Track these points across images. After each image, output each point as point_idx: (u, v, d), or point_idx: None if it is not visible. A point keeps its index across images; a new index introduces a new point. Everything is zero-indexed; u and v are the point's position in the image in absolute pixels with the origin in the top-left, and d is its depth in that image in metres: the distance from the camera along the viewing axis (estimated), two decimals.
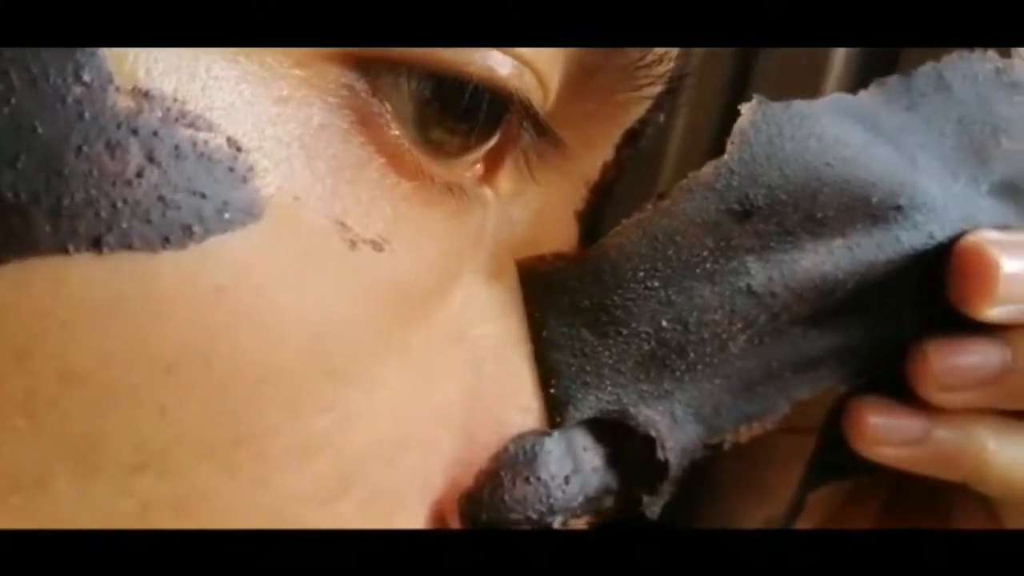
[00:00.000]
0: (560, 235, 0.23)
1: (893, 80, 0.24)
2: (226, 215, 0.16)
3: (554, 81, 0.20)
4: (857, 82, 0.27)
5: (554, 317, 0.21)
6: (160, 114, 0.15)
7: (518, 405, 0.21)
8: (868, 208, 0.23)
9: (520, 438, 0.21)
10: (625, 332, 0.21)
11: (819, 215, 0.22)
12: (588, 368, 0.22)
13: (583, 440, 0.22)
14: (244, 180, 0.16)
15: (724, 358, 0.22)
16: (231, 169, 0.16)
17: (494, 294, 0.21)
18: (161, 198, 0.15)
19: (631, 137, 0.23)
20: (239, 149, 0.16)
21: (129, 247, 0.15)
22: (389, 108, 0.18)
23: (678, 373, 0.22)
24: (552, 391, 0.22)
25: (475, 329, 0.21)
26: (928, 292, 0.24)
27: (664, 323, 0.22)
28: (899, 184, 0.23)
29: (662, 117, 0.23)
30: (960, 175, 0.25)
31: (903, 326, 0.24)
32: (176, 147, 0.15)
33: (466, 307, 0.20)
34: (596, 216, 0.24)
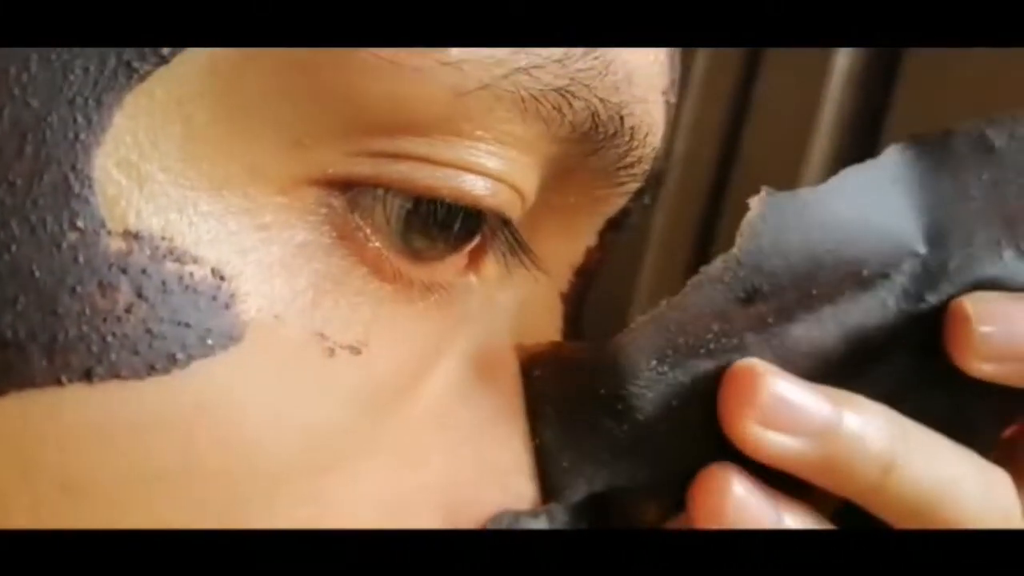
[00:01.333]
0: (545, 317, 0.24)
1: (933, 137, 0.24)
2: (209, 341, 0.17)
3: (531, 187, 0.21)
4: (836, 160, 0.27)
5: (570, 401, 0.23)
6: (149, 252, 0.17)
7: (496, 484, 0.22)
8: (858, 279, 0.23)
9: (498, 517, 0.22)
10: (640, 417, 0.22)
11: (814, 292, 0.23)
12: (602, 446, 0.23)
13: (562, 516, 0.23)
14: (226, 307, 0.17)
15: None
16: (214, 298, 0.17)
17: (473, 378, 0.22)
18: (148, 330, 0.17)
19: (614, 224, 0.24)
20: (222, 278, 0.17)
21: (117, 376, 0.16)
22: (369, 222, 0.19)
23: (681, 444, 0.23)
24: (564, 465, 0.23)
25: (452, 414, 0.22)
26: (928, 353, 0.24)
27: (674, 403, 0.23)
28: (893, 255, 0.23)
29: (647, 200, 0.24)
30: (976, 238, 0.24)
31: (902, 384, 0.24)
32: (163, 282, 0.17)
33: (443, 394, 0.21)
34: (580, 297, 0.25)
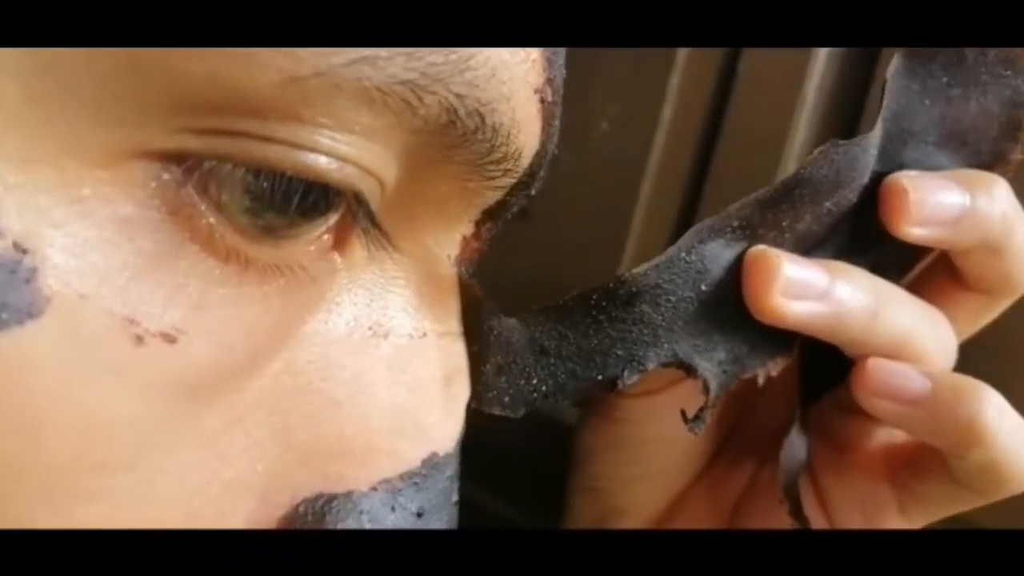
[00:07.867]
0: (407, 299, 0.23)
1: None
2: (3, 315, 0.16)
3: (387, 172, 0.20)
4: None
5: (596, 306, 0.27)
6: None
7: (321, 471, 0.21)
8: (861, 185, 0.28)
9: (314, 499, 0.21)
10: (673, 299, 0.27)
11: (827, 204, 0.28)
12: (646, 331, 0.27)
13: (390, 500, 0.22)
14: (26, 281, 0.17)
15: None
16: (13, 271, 0.17)
17: (322, 362, 0.21)
18: None
19: (492, 215, 0.23)
20: (24, 251, 0.17)
21: None
22: (205, 197, 0.19)
23: (721, 324, 0.28)
24: (619, 353, 0.27)
25: (290, 400, 0.21)
26: (859, 223, 0.29)
27: (703, 287, 0.27)
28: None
29: (524, 200, 0.23)
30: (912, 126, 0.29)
31: (842, 252, 0.30)
32: None
33: (282, 379, 0.21)
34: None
